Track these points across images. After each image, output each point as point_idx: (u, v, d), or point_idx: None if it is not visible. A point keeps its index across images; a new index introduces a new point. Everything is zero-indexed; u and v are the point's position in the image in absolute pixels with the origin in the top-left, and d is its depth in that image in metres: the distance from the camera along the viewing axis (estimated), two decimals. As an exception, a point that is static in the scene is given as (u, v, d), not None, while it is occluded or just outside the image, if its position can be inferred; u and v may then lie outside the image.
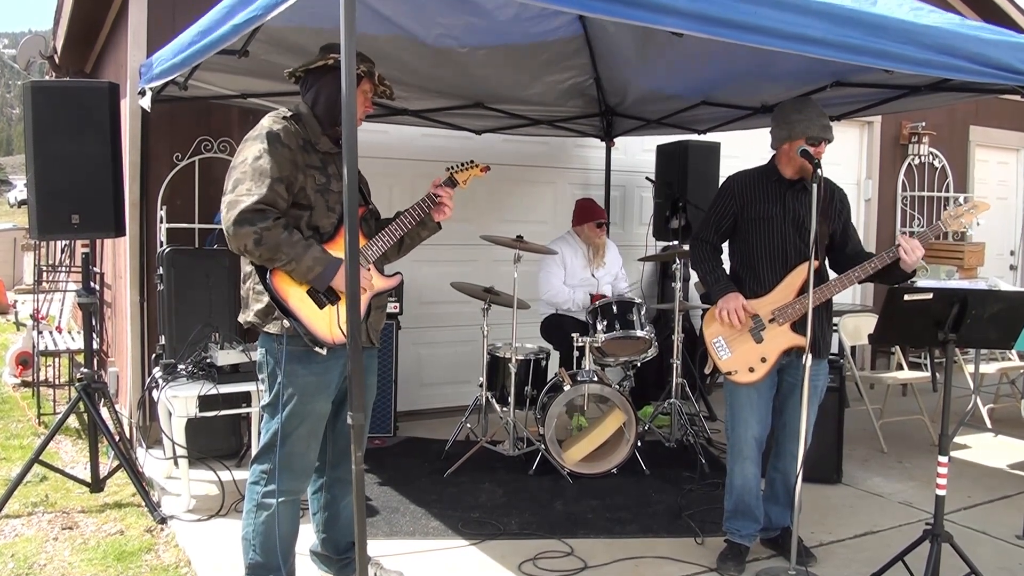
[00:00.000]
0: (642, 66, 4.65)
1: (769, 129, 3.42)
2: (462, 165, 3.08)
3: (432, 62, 4.26)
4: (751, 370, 3.27)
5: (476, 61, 4.31)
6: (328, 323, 2.65)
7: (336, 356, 2.73)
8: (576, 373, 4.61)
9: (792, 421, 3.29)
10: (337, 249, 2.68)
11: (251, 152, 2.61)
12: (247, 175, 2.57)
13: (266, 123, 2.67)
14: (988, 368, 5.79)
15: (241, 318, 2.80)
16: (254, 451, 4.44)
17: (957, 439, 5.46)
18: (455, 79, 4.62)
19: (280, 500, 2.75)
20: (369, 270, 2.80)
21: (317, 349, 2.65)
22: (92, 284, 4.30)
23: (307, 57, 2.88)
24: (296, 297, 2.62)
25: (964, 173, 8.41)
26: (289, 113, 2.74)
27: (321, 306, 2.65)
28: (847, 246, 3.43)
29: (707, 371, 3.53)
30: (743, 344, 3.29)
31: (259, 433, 4.44)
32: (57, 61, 6.96)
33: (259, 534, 2.77)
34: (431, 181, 3.00)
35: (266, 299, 2.66)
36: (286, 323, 2.63)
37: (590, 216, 5.20)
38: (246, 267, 2.75)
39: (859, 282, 3.28)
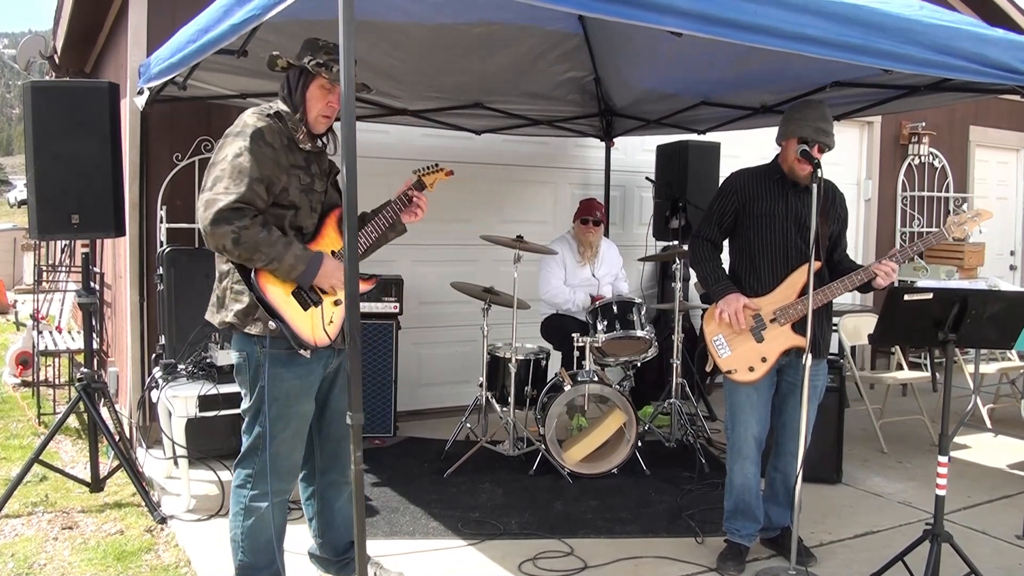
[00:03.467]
0: (642, 64, 4.64)
1: (773, 128, 3.42)
2: (428, 168, 3.02)
3: (429, 45, 4.20)
4: (751, 369, 3.27)
5: (472, 37, 4.24)
6: (311, 325, 2.60)
7: (317, 357, 2.69)
8: (576, 373, 4.61)
9: (792, 421, 3.30)
10: (318, 248, 2.67)
11: (232, 149, 2.53)
12: (226, 173, 2.50)
13: (249, 120, 2.58)
14: (988, 368, 5.79)
15: (216, 319, 2.70)
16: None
17: (957, 439, 5.46)
18: (453, 63, 4.56)
19: (268, 504, 2.71)
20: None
21: (302, 352, 2.60)
22: (92, 284, 4.30)
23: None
24: (280, 298, 2.56)
25: (964, 173, 8.40)
26: (272, 110, 2.66)
27: (305, 307, 2.61)
28: (835, 251, 3.44)
29: (707, 369, 3.53)
30: (743, 343, 3.29)
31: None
32: (57, 61, 6.95)
33: (247, 537, 2.74)
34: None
35: (247, 299, 2.59)
36: (271, 324, 2.56)
37: (579, 213, 5.26)
38: (223, 266, 2.67)
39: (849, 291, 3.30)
